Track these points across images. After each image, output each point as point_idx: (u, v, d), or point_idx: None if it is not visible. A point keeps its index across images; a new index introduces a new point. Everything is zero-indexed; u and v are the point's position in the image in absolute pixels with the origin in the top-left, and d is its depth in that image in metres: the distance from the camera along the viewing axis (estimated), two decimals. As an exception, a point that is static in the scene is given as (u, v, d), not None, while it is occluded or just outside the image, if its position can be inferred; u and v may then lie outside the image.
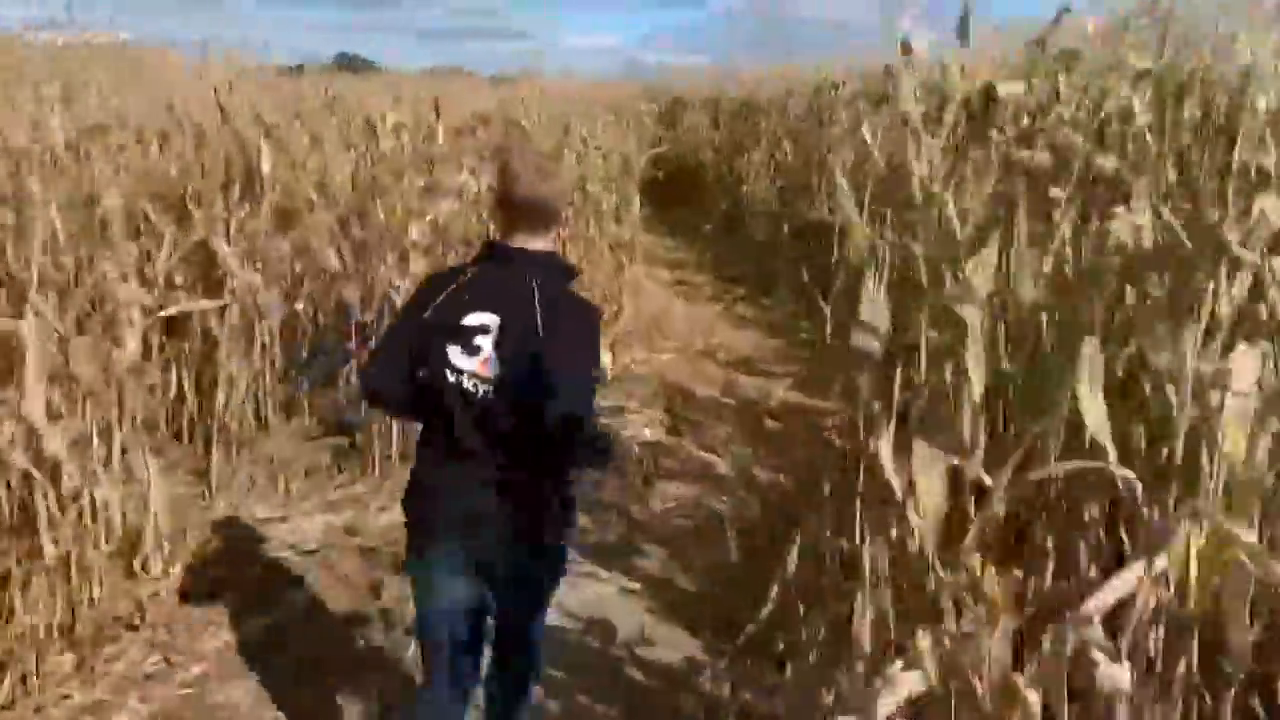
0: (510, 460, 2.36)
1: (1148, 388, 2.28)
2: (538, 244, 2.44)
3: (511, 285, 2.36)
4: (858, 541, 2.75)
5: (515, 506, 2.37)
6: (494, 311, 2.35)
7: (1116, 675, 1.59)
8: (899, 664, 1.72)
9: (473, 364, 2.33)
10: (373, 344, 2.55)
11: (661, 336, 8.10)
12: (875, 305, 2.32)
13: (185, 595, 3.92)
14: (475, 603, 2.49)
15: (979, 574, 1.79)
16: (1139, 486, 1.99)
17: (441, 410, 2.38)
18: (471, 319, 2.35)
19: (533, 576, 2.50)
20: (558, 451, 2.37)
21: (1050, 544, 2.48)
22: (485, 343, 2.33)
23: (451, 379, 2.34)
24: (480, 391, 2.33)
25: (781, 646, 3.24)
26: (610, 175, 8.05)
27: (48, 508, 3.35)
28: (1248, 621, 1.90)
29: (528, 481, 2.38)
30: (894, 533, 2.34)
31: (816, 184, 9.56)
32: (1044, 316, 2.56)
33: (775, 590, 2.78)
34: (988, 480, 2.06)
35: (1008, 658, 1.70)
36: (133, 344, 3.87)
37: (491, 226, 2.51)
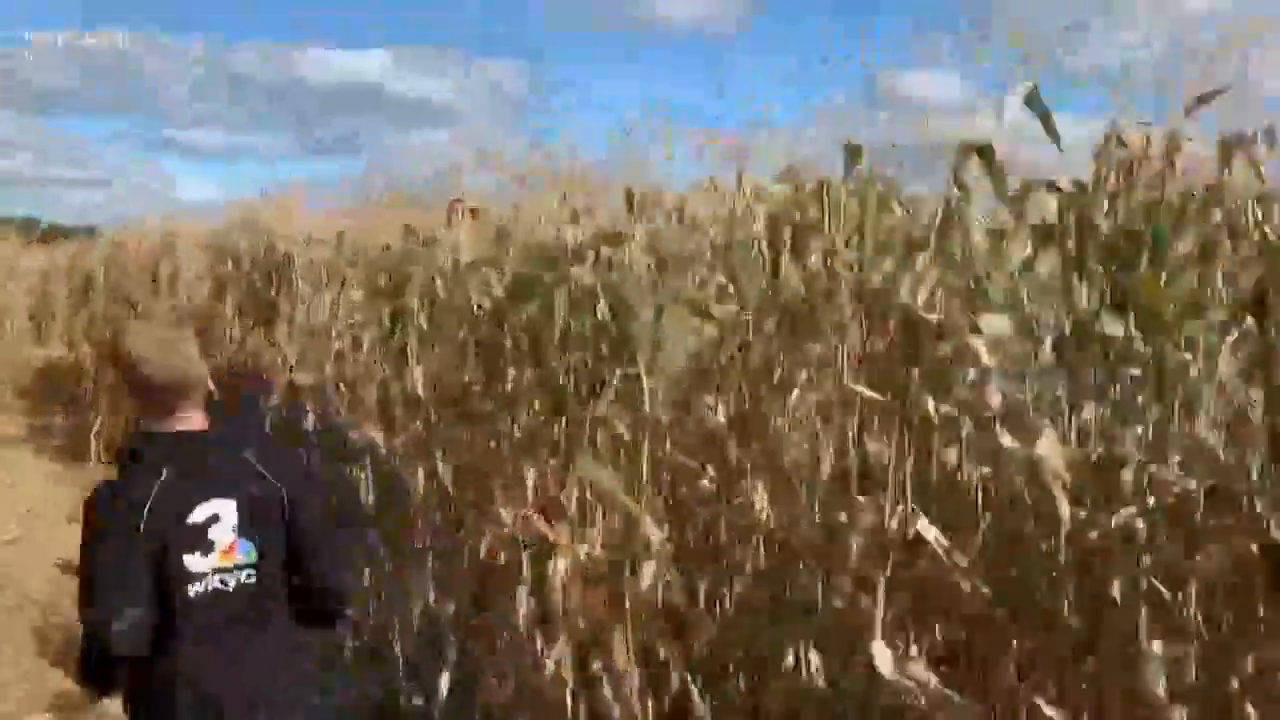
0: (279, 638, 2.29)
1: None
2: (200, 418, 2.26)
3: (223, 465, 2.24)
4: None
5: (290, 682, 2.30)
6: (221, 497, 2.20)
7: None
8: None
9: (213, 560, 2.18)
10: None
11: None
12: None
13: None
14: None
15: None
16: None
17: (188, 627, 2.16)
18: (196, 515, 2.17)
19: None
20: (315, 617, 2.37)
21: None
22: (220, 532, 2.19)
23: (194, 590, 2.16)
24: (234, 582, 2.21)
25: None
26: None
27: None
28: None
29: (294, 654, 2.33)
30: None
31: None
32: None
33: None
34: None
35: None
36: None
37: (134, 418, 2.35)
